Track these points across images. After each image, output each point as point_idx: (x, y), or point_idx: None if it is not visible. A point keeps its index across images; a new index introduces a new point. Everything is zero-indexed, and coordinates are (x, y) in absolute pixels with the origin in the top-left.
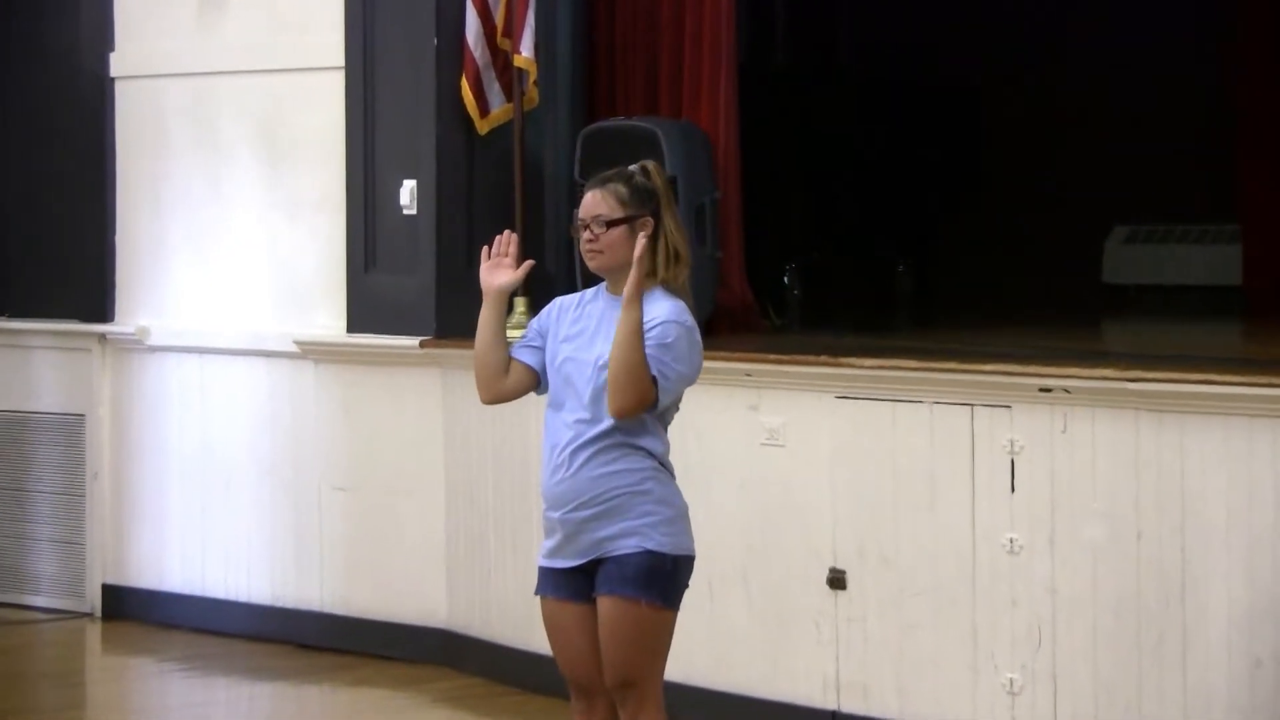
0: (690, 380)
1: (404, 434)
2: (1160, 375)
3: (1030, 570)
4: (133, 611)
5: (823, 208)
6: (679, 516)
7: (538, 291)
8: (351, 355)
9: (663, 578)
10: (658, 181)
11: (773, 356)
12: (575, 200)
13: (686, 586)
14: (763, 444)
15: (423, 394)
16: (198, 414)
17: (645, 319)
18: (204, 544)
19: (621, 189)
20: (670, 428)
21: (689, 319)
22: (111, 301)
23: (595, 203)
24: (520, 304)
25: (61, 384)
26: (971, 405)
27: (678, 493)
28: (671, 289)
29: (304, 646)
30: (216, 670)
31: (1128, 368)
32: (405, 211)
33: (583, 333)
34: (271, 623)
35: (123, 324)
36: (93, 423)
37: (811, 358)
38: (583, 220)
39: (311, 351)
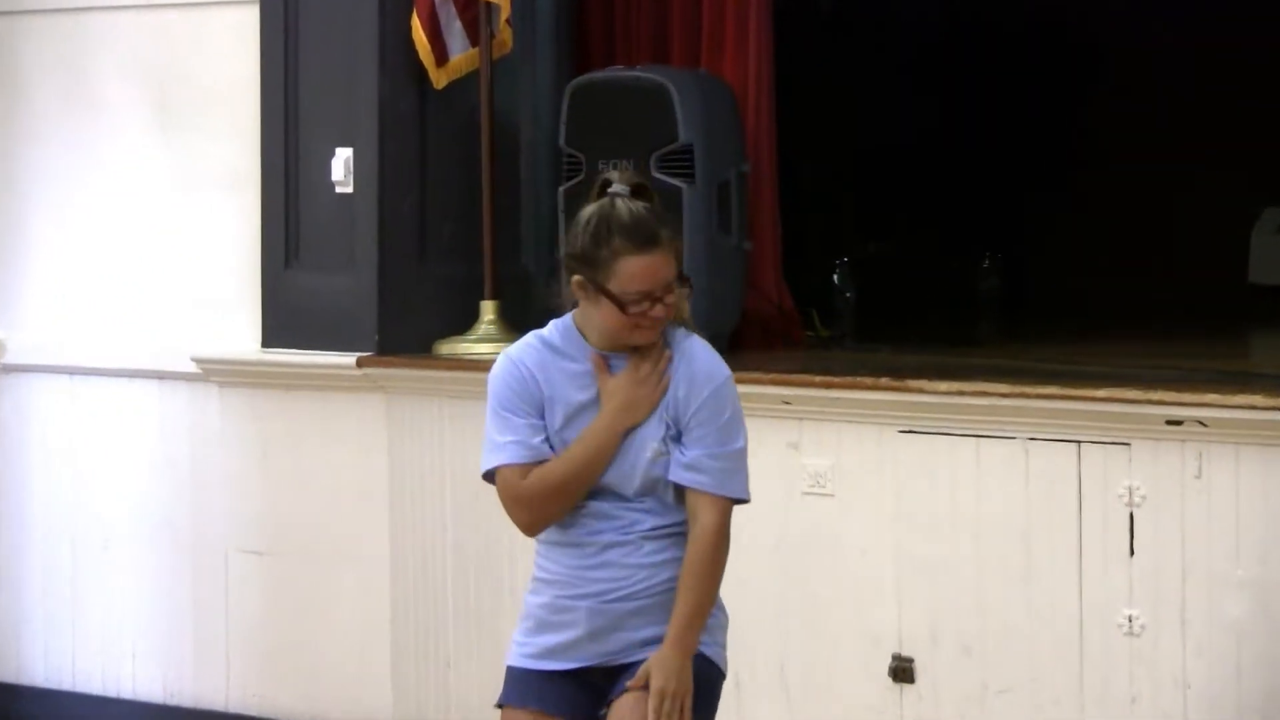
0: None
1: (337, 481)
2: None
3: (1155, 657)
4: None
5: (882, 187)
6: (725, 624)
7: (511, 294)
8: (268, 377)
9: (710, 695)
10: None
11: (818, 379)
12: (560, 175)
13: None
14: (805, 492)
15: (361, 429)
16: (66, 453)
17: (684, 391)
18: (74, 624)
19: (678, 241)
20: None
21: (722, 364)
22: None
23: (663, 266)
24: (490, 309)
25: None
26: (1078, 442)
27: None
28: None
29: None
30: None
31: None
32: (338, 189)
33: (589, 404)
34: None
35: None
36: None
37: (868, 380)
38: (652, 292)
39: (216, 372)
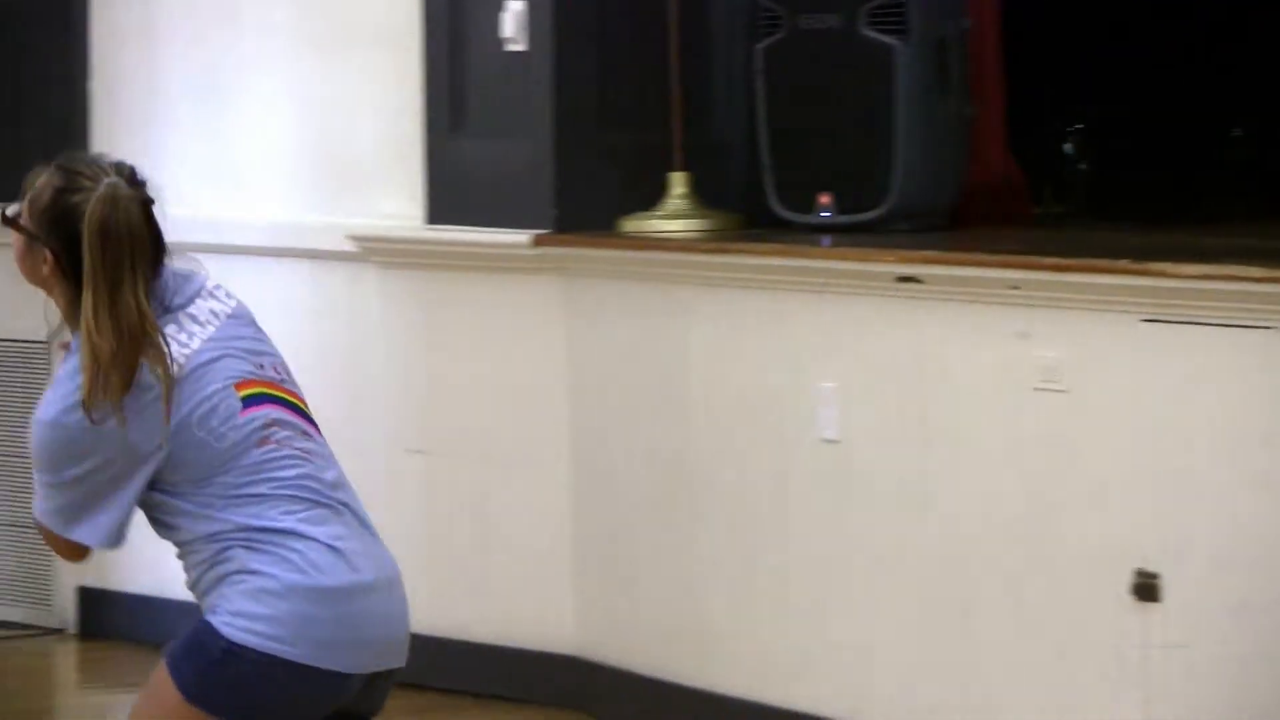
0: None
1: (510, 374)
2: None
3: None
4: (120, 627)
5: (1121, 46)
6: (255, 590)
7: (702, 164)
8: (432, 257)
9: (198, 658)
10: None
11: (1050, 261)
12: (756, 31)
13: None
14: (1036, 388)
15: (537, 315)
16: None
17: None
18: None
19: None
20: (902, 365)
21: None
22: None
23: None
24: (679, 181)
25: (10, 300)
26: None
27: None
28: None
29: None
30: None
31: None
32: (509, 47)
33: None
34: None
35: None
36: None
37: (1106, 262)
38: None
39: (375, 252)
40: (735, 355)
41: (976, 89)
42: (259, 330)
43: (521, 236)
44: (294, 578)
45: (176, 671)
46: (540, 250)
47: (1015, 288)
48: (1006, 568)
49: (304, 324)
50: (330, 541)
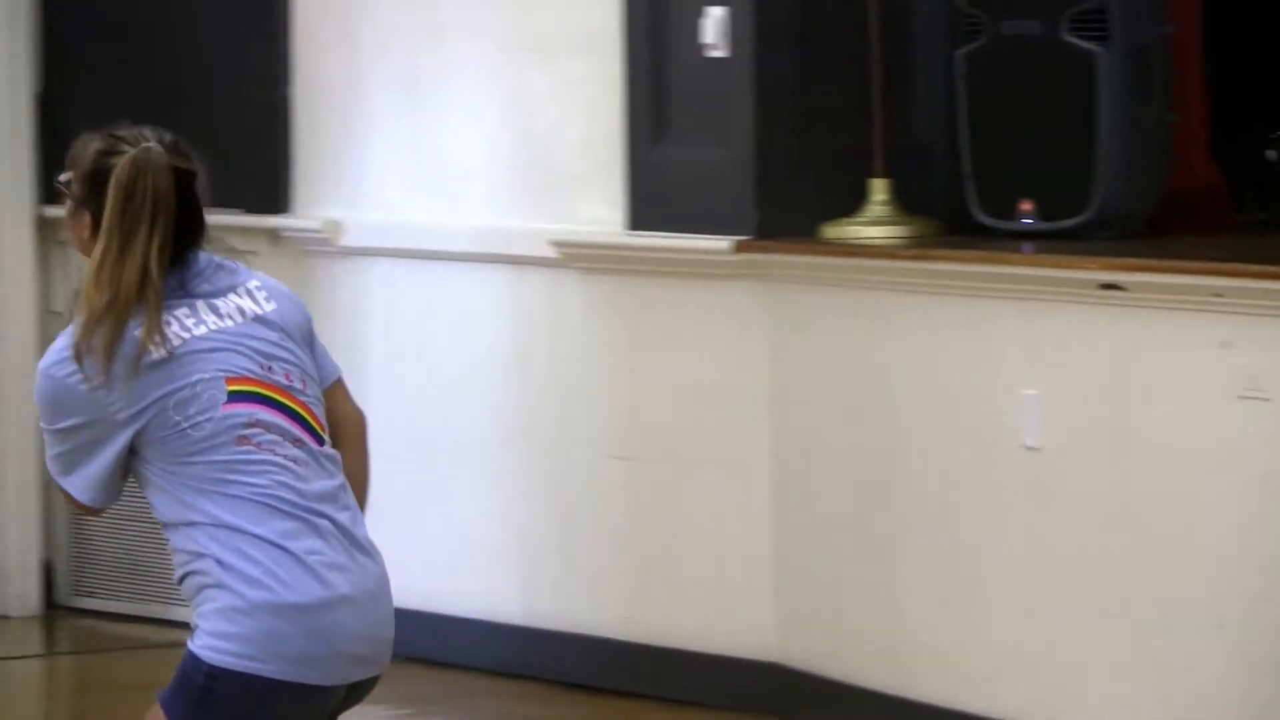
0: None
1: (712, 379)
2: None
3: None
4: None
5: None
6: (225, 608)
7: (903, 170)
8: (634, 263)
9: (186, 691)
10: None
11: (1253, 268)
12: (958, 37)
13: None
14: (1239, 396)
15: (739, 320)
16: (410, 345)
17: None
18: (423, 537)
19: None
20: (1103, 372)
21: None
22: (287, 184)
23: None
24: (880, 188)
25: None
26: None
27: None
28: None
29: (570, 685)
30: (451, 716)
31: None
32: (710, 53)
33: None
34: (524, 652)
35: (304, 216)
36: None
37: None
38: None
39: (577, 257)
40: (936, 362)
41: (1178, 95)
42: (295, 339)
43: (722, 242)
44: (260, 595)
45: (171, 710)
46: (741, 256)
47: (1218, 295)
48: (1209, 577)
49: (505, 330)
50: (302, 555)
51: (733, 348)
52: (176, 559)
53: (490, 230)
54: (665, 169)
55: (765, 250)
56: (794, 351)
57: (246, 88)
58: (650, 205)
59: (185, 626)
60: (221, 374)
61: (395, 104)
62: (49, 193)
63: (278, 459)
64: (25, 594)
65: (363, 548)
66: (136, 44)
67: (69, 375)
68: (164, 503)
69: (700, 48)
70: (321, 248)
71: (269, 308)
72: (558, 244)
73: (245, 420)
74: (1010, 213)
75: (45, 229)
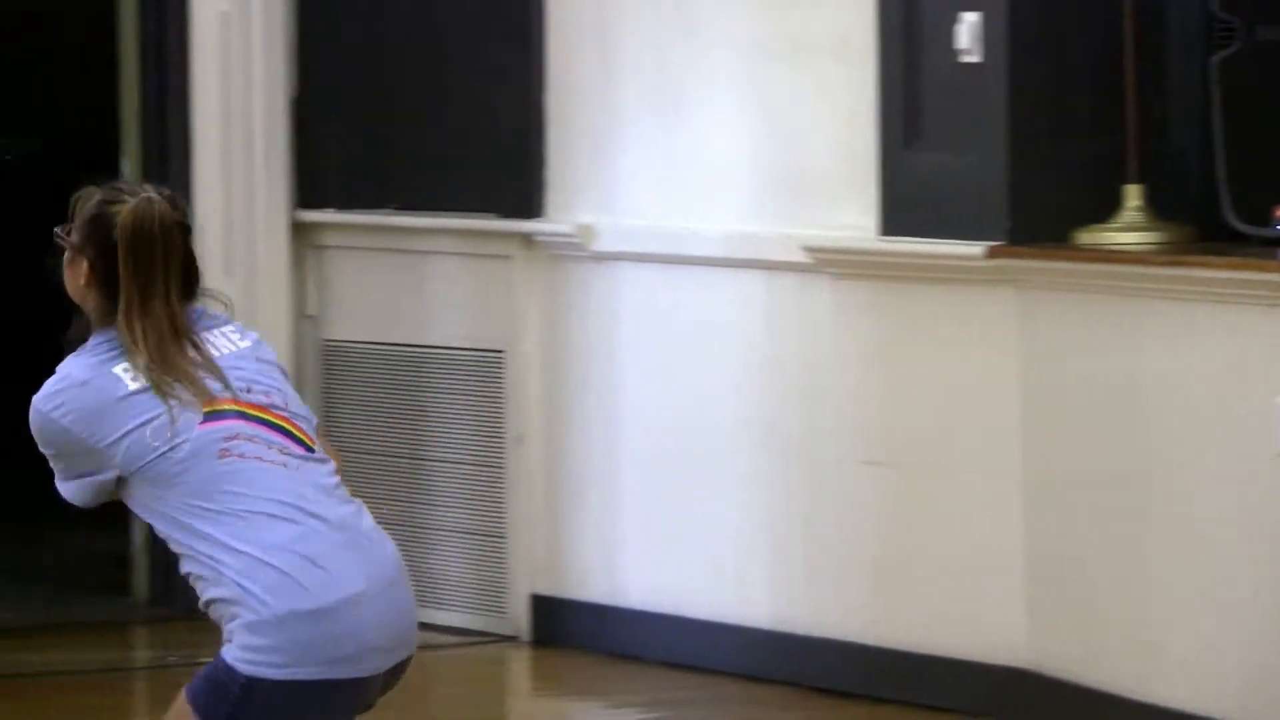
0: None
1: (963, 385)
2: None
3: None
4: (573, 634)
5: None
6: (251, 623)
7: (1157, 175)
8: (886, 269)
9: (215, 693)
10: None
11: None
12: (1211, 40)
13: None
14: None
15: (990, 326)
16: (662, 351)
17: None
18: (673, 541)
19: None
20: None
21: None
22: (541, 188)
23: None
24: (1134, 194)
25: (468, 308)
26: None
27: None
28: None
29: (818, 690)
30: None
31: None
32: (963, 59)
33: None
34: (772, 656)
35: (557, 221)
36: (515, 363)
37: None
38: None
39: (829, 263)
40: (1189, 369)
41: None
42: (278, 372)
43: (975, 248)
44: (282, 605)
45: (204, 712)
46: (993, 262)
47: None
48: None
49: (756, 335)
50: (313, 558)
51: (984, 353)
52: (197, 586)
53: (742, 235)
54: (918, 174)
55: (1017, 256)
56: (1045, 357)
57: (501, 94)
58: (902, 210)
59: (435, 629)
60: (195, 398)
61: (648, 109)
62: (303, 197)
63: (265, 463)
64: None
65: (369, 537)
66: (390, 49)
67: (53, 411)
68: (168, 529)
69: (954, 53)
70: (574, 253)
71: (245, 345)
72: (810, 249)
73: (224, 434)
74: (1265, 219)
75: (300, 233)
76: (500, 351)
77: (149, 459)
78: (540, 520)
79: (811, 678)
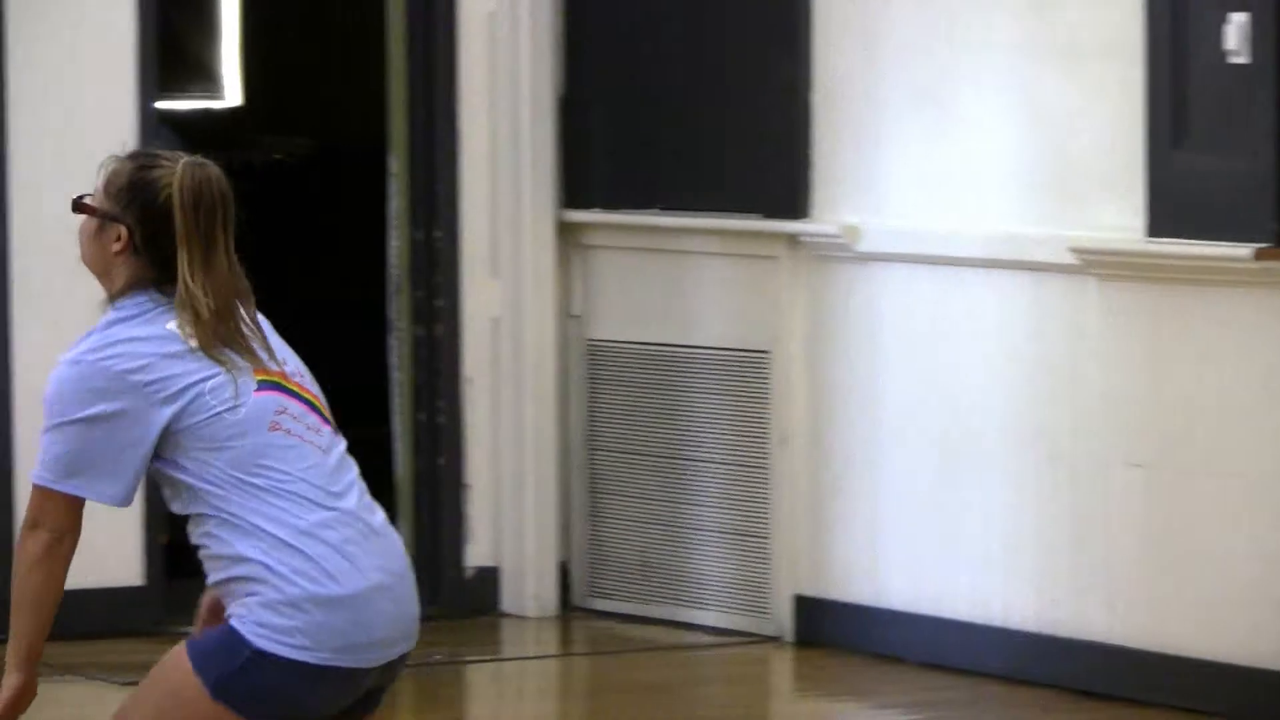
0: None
1: (1229, 388)
2: None
3: None
4: (836, 635)
5: None
6: (272, 601)
7: None
8: (1153, 270)
9: (219, 655)
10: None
11: None
12: None
13: None
14: None
15: (1257, 329)
16: (926, 353)
17: None
18: (937, 541)
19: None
20: None
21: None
22: (807, 189)
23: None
24: None
25: (733, 308)
26: None
27: None
28: None
29: (1085, 694)
30: None
31: None
32: (1232, 60)
33: None
34: (1038, 658)
35: (822, 221)
36: (780, 363)
37: None
38: None
39: (1096, 264)
40: None
41: None
42: (289, 349)
43: (1243, 250)
44: (306, 589)
45: (203, 671)
46: (1262, 264)
47: None
48: None
49: (1022, 336)
50: (338, 545)
51: (1250, 355)
52: (211, 565)
53: (1008, 236)
54: (1185, 175)
55: None
56: None
57: (767, 93)
58: (1170, 212)
59: (697, 629)
60: (249, 365)
61: (913, 110)
62: (570, 197)
63: (304, 443)
64: (543, 595)
65: (382, 530)
66: (656, 49)
67: (107, 362)
68: (192, 503)
69: (1222, 54)
70: (839, 253)
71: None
72: (1078, 250)
73: (275, 406)
74: None
75: (566, 233)
76: (765, 352)
77: (202, 417)
78: (803, 521)
79: (1075, 680)
